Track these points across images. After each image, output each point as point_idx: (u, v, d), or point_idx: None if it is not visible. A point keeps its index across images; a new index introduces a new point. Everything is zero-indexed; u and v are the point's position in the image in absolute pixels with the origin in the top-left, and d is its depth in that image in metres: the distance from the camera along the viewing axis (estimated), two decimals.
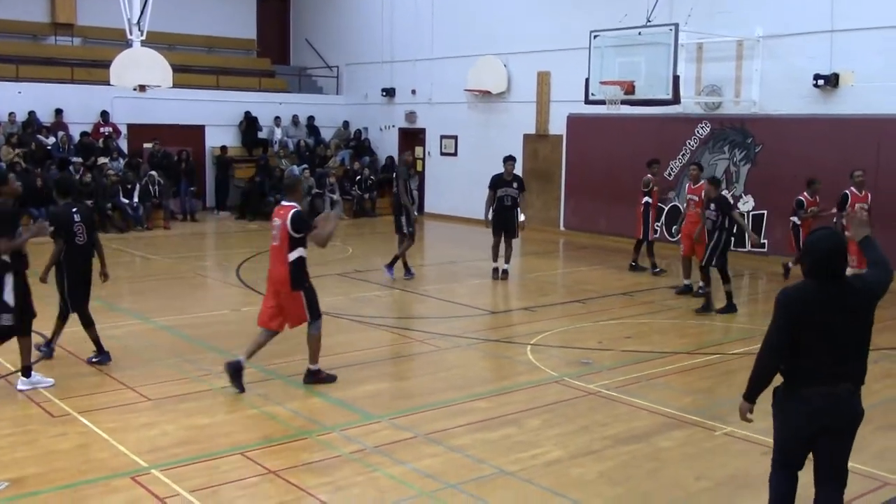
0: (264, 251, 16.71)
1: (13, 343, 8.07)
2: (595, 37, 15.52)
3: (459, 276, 13.98)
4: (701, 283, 12.26)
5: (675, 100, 14.83)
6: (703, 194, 12.55)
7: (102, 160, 20.49)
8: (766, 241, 16.31)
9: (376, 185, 23.69)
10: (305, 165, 22.65)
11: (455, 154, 22.44)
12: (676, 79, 14.57)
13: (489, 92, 21.37)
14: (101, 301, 12.17)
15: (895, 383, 9.01)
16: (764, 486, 6.29)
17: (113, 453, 6.57)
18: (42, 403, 7.66)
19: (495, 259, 14.11)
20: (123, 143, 22.03)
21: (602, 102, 15.48)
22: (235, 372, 8.06)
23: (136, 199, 19.84)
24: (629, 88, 14.93)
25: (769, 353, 4.79)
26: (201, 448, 6.73)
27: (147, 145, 21.92)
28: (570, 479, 6.28)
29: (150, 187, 20.16)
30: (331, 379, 8.50)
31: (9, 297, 7.74)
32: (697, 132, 17.49)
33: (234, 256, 16.10)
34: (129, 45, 19.03)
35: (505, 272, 14.10)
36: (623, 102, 15.26)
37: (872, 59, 14.87)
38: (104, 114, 21.62)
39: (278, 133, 24.31)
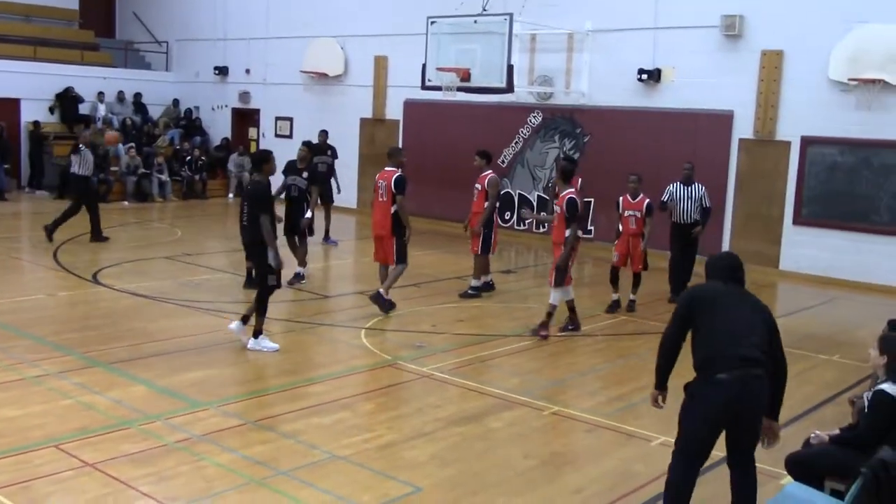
0: (87, 232, 15.87)
1: None
2: (432, 23, 15.60)
3: (290, 260, 13.71)
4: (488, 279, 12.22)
5: (509, 88, 15.12)
6: (485, 184, 11.76)
7: None
8: (592, 227, 16.95)
9: (207, 165, 22.93)
10: (132, 144, 21.63)
11: (290, 136, 22.01)
12: (510, 68, 14.85)
13: (326, 74, 21.10)
14: None
15: None
16: (588, 461, 6.55)
17: None
18: None
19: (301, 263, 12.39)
20: None
21: (438, 88, 15.58)
22: (379, 300, 10.59)
23: None
24: (465, 75, 15.10)
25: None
26: (11, 441, 6.27)
27: None
28: (403, 462, 6.30)
29: None
30: (391, 305, 10.69)
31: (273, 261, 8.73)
32: (530, 121, 17.94)
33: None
34: None
35: (298, 275, 12.29)
36: (459, 89, 15.40)
37: (691, 57, 15.73)
38: None
39: (102, 109, 23.06)
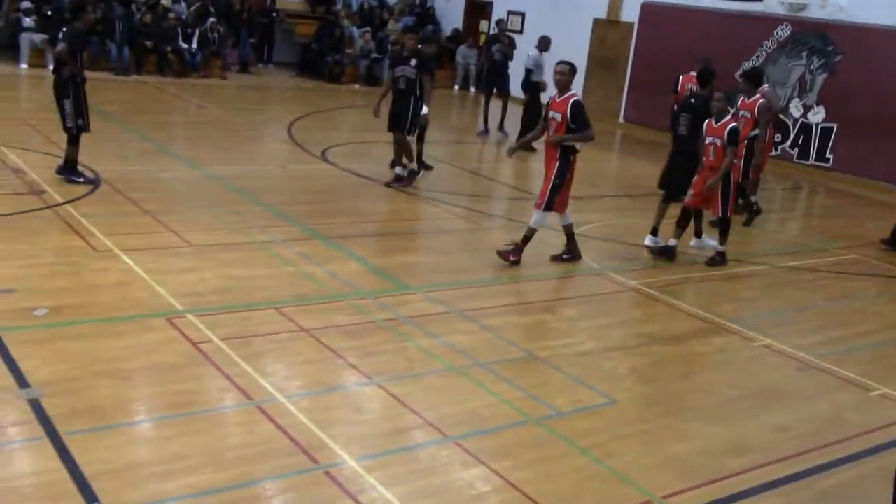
0: (319, 111, 16.60)
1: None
2: None
3: (510, 158, 13.64)
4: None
5: None
6: (755, 111, 10.44)
7: (164, 2, 20.18)
8: (831, 155, 15.74)
9: (436, 55, 23.07)
10: (367, 28, 22.15)
11: (521, 32, 21.71)
12: None
13: None
14: (154, 143, 12.20)
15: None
16: (796, 401, 6.20)
17: (151, 293, 6.64)
18: (86, 237, 7.74)
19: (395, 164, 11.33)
20: None
21: None
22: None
23: (194, 45, 19.61)
24: None
25: None
26: (237, 298, 6.77)
27: None
28: (601, 372, 6.23)
29: (210, 35, 19.87)
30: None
31: None
32: (776, 34, 16.65)
33: (289, 114, 15.94)
34: None
35: (398, 178, 11.08)
36: None
37: None
38: None
39: None
